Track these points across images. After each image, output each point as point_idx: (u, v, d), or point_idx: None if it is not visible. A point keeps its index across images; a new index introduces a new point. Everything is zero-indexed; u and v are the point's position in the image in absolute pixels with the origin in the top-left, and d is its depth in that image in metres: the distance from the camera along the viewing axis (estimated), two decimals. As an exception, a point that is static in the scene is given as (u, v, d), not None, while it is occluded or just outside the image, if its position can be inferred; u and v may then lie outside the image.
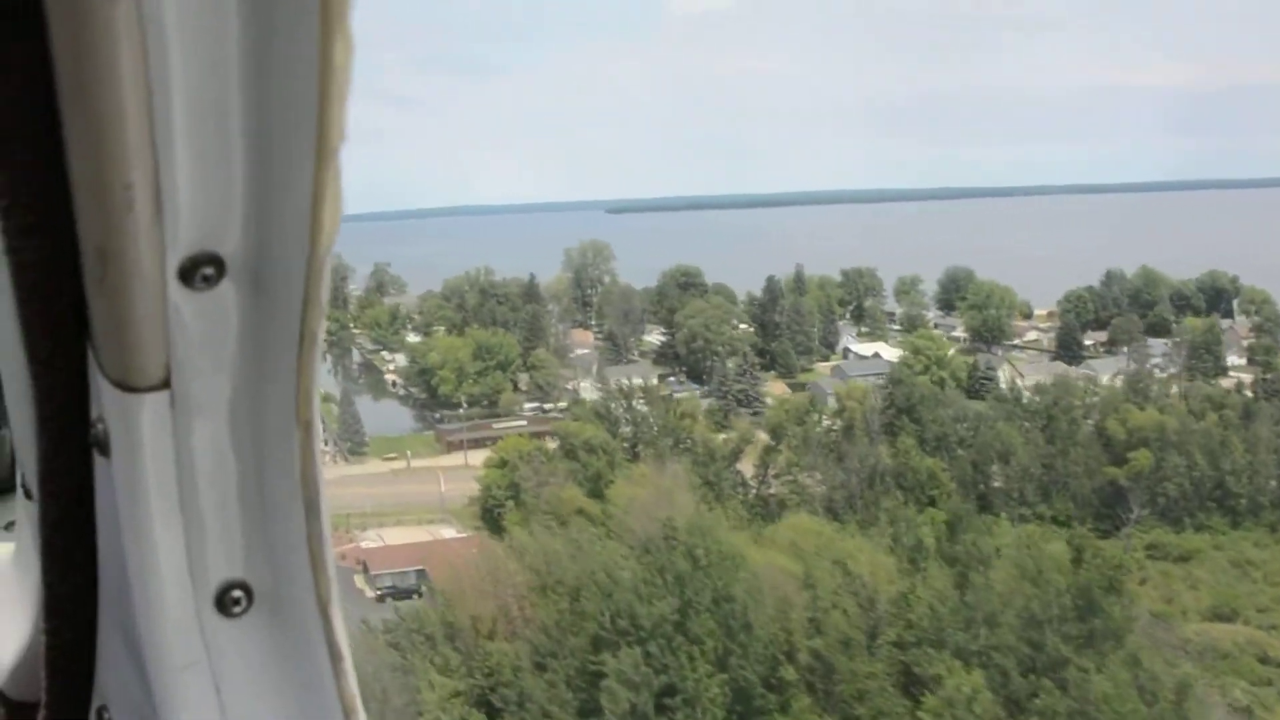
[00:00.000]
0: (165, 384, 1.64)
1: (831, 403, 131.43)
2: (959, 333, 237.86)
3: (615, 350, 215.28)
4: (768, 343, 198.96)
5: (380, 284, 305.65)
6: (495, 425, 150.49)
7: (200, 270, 1.54)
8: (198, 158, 1.47)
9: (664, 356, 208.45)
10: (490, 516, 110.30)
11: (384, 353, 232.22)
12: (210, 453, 1.74)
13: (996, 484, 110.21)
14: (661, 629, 53.44)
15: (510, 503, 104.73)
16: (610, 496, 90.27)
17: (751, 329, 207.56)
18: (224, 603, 1.84)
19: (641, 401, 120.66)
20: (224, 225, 1.54)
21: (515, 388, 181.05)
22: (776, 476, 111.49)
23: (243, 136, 1.48)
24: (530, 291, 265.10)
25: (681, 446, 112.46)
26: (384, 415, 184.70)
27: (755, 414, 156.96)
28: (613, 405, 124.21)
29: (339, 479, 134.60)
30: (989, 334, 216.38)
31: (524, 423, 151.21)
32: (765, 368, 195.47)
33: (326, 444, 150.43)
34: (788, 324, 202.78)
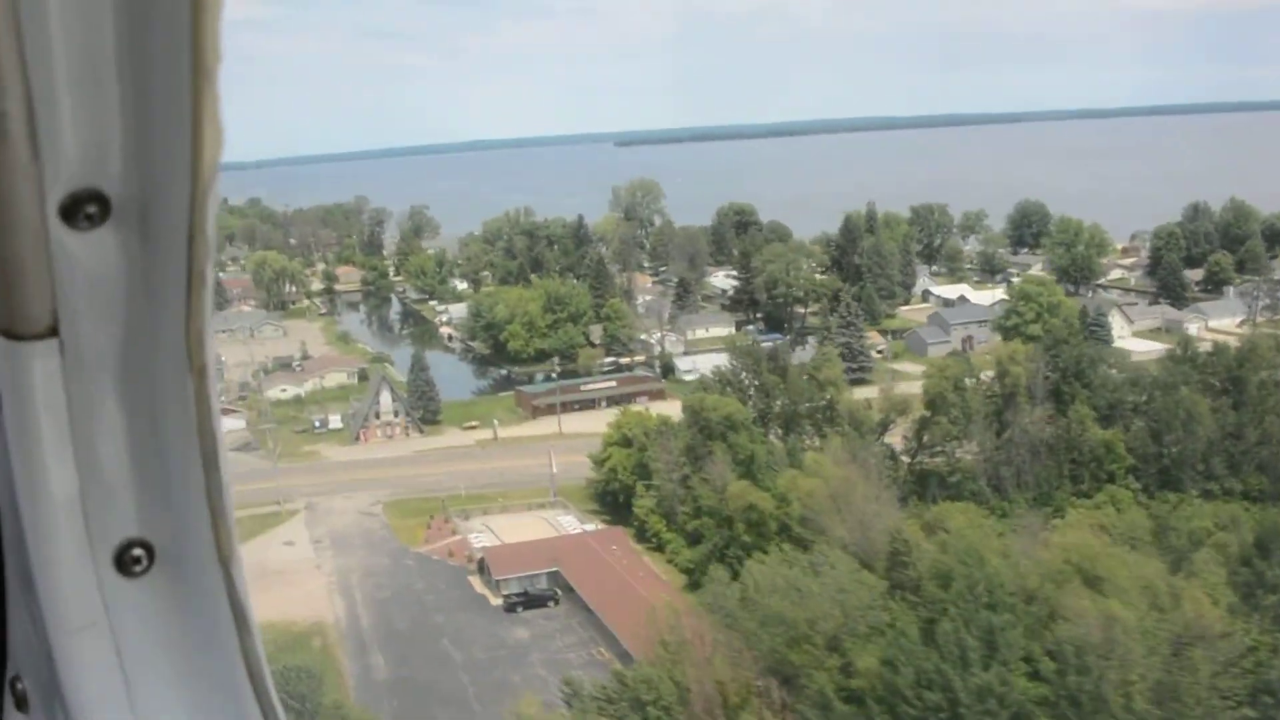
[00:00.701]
0: (53, 331, 1.59)
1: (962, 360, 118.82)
2: (1037, 270, 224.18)
3: (682, 297, 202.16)
4: (849, 287, 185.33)
5: (418, 227, 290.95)
6: (584, 388, 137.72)
7: (83, 209, 1.49)
8: (74, 85, 1.41)
9: (737, 303, 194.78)
10: (615, 502, 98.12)
11: (433, 303, 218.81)
12: (103, 404, 1.70)
13: (1174, 456, 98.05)
14: (996, 709, 41.03)
15: (641, 488, 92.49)
16: (782, 488, 77.76)
17: (824, 274, 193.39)
18: (123, 562, 1.81)
19: (755, 364, 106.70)
20: (104, 158, 1.49)
21: (588, 341, 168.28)
22: (931, 451, 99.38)
23: (116, 61, 1.42)
24: (580, 233, 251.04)
25: (822, 418, 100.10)
26: (445, 374, 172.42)
27: (861, 369, 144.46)
28: (722, 366, 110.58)
29: (416, 455, 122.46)
30: (1077, 273, 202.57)
31: (613, 384, 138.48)
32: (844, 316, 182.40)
33: (396, 414, 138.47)
34: (869, 267, 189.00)
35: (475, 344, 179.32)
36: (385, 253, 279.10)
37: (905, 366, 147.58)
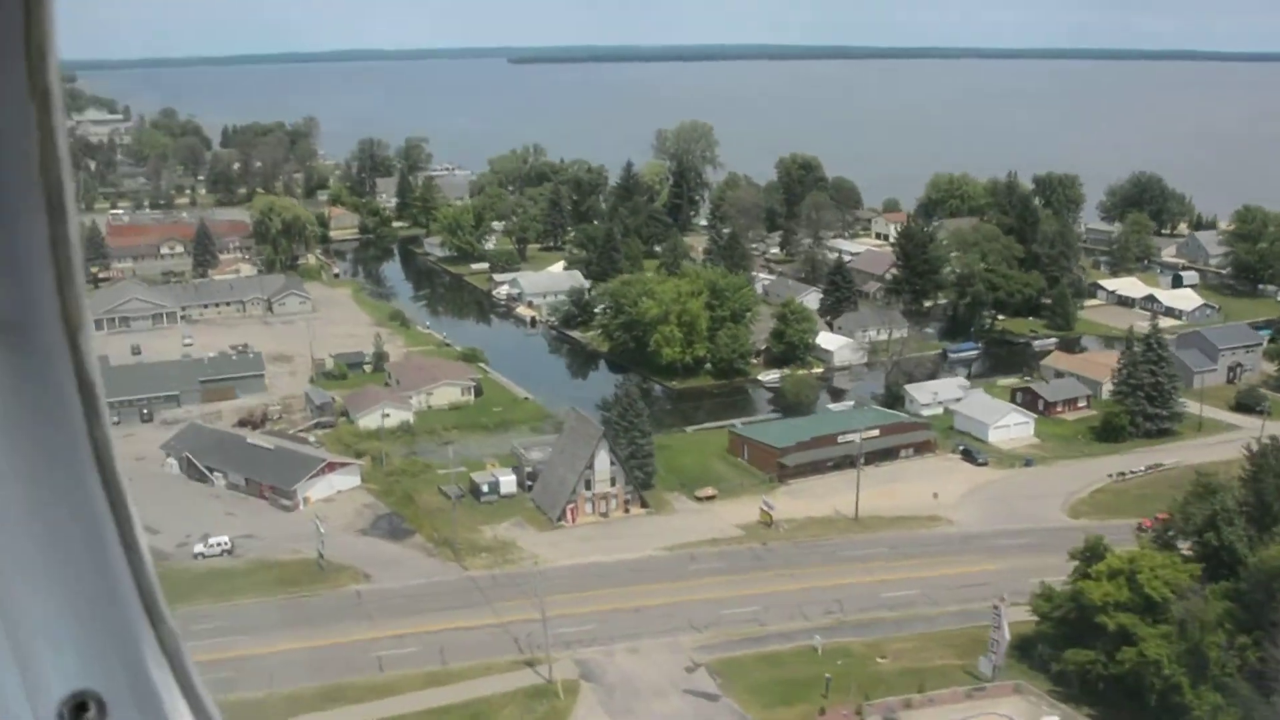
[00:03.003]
0: None
1: None
2: (1172, 254, 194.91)
3: (807, 277, 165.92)
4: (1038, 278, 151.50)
5: (413, 163, 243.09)
6: (841, 438, 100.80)
7: None
8: None
9: (893, 294, 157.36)
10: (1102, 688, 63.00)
11: (484, 269, 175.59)
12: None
13: None
14: None
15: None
16: None
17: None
18: None
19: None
20: None
21: (757, 350, 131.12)
22: None
23: None
24: (630, 184, 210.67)
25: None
26: (553, 379, 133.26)
27: (1161, 417, 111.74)
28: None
29: (676, 556, 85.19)
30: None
31: (874, 433, 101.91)
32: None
33: (613, 481, 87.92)
34: (1051, 256, 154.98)
35: (586, 335, 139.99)
36: (380, 193, 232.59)
37: (1198, 408, 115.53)
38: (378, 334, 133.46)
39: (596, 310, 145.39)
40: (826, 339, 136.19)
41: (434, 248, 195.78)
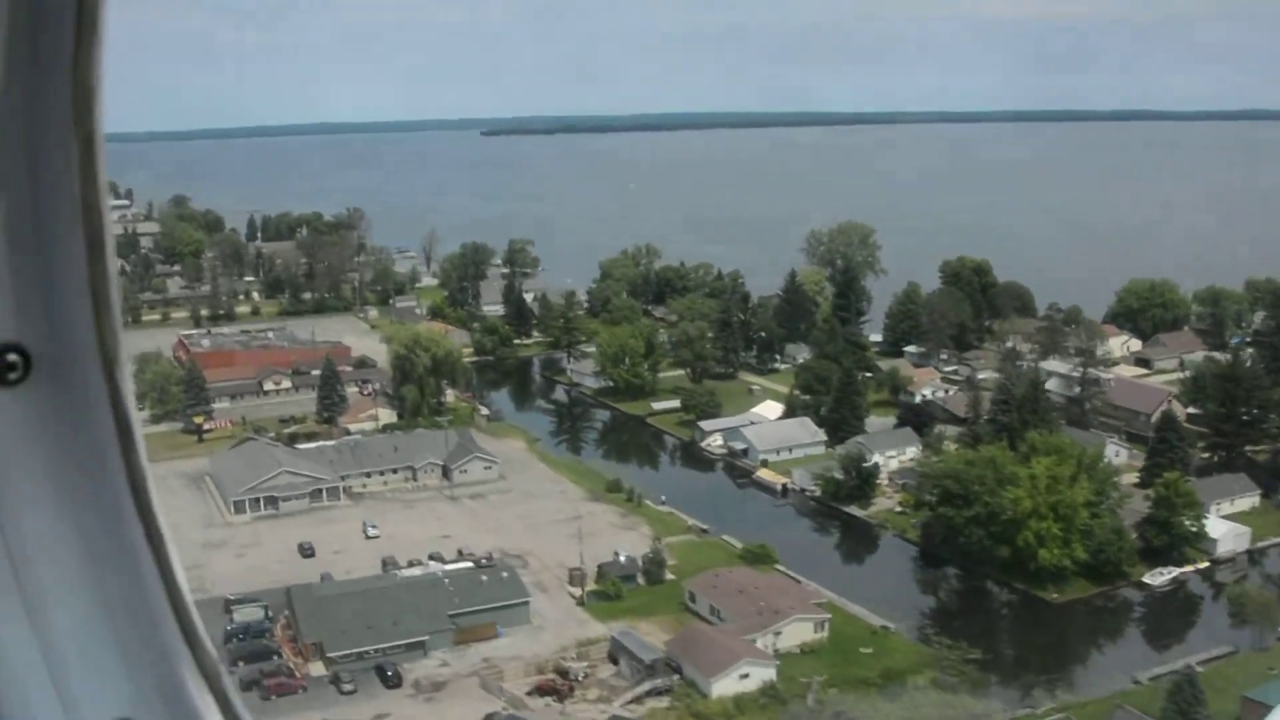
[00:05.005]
0: None
1: None
2: None
3: (1076, 421, 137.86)
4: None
5: (519, 268, 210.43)
6: None
7: (6, 361, 1.51)
8: None
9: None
10: None
11: (702, 423, 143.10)
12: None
13: None
14: None
15: None
16: None
17: None
18: None
19: None
20: (22, 312, 1.53)
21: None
22: None
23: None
24: (794, 296, 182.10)
25: None
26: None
27: None
28: None
29: None
30: None
31: None
32: None
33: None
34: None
35: (871, 512, 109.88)
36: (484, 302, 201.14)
37: None
38: (656, 538, 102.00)
39: (880, 481, 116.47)
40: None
41: (584, 376, 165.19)
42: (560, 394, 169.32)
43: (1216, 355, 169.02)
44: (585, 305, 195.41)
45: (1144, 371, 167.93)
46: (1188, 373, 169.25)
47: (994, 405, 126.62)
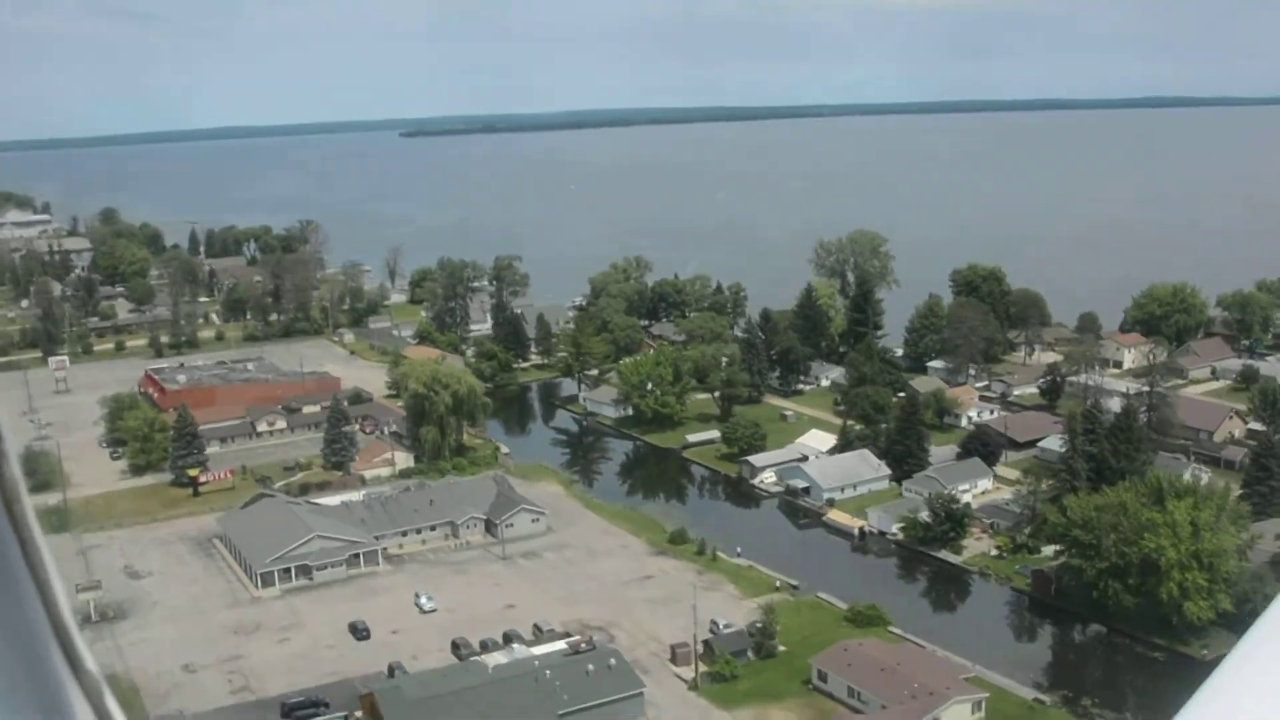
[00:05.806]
0: None
1: None
2: None
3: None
4: None
5: (507, 287, 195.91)
6: None
7: None
8: None
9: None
10: None
11: (752, 459, 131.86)
12: None
13: None
14: None
15: None
16: None
17: None
18: None
19: None
20: None
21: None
22: None
23: None
24: (811, 311, 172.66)
25: None
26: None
27: None
28: None
29: None
30: None
31: None
32: None
33: None
34: None
35: (960, 558, 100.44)
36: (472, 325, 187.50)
37: None
38: (768, 604, 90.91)
39: (968, 523, 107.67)
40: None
41: (601, 405, 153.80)
42: (569, 422, 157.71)
43: (1253, 363, 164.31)
44: (571, 324, 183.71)
45: (1179, 382, 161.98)
46: (1222, 382, 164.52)
47: (1080, 434, 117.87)
